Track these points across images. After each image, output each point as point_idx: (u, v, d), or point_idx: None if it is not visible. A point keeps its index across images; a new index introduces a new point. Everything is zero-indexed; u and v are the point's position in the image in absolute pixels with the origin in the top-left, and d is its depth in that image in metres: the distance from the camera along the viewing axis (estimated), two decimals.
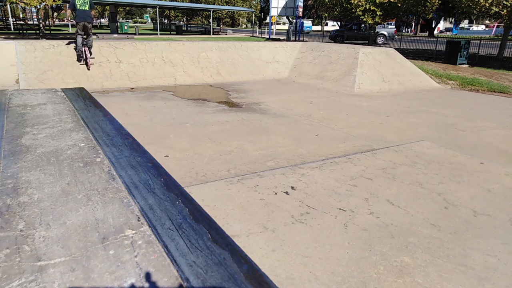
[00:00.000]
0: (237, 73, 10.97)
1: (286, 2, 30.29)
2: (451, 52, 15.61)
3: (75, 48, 8.96)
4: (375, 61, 10.60)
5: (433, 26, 46.00)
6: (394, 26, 30.90)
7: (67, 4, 10.42)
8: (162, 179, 2.40)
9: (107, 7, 52.90)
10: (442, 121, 6.57)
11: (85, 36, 8.74)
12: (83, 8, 8.54)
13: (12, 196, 2.12)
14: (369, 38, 25.24)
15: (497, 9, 16.03)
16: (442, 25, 59.48)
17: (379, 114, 7.02)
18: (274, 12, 31.33)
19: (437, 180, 3.84)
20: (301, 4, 29.80)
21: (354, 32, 29.30)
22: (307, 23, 52.20)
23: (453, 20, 51.20)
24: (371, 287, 2.21)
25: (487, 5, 15.95)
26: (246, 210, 3.07)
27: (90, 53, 8.81)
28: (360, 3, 20.49)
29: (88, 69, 8.69)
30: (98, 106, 4.77)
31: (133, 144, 3.14)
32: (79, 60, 8.96)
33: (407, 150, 4.79)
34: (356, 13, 21.12)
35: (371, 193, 3.48)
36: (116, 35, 26.23)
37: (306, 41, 23.01)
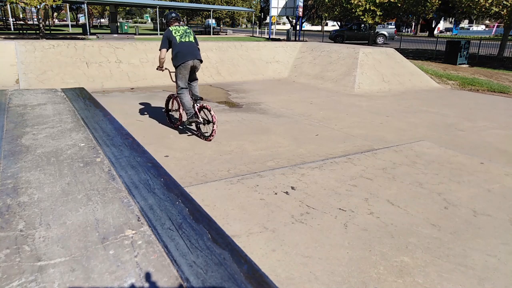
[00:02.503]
0: (237, 73, 10.97)
1: (286, 2, 30.29)
2: (451, 52, 15.61)
3: (167, 111, 5.68)
4: (375, 61, 10.59)
5: (433, 26, 45.98)
6: (394, 26, 30.89)
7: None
8: (162, 179, 2.40)
9: (107, 7, 52.91)
10: (442, 121, 6.56)
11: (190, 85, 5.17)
12: (187, 40, 4.92)
13: (12, 196, 2.12)
14: (369, 38, 25.24)
15: (497, 9, 16.03)
16: (442, 25, 59.47)
17: (379, 114, 7.01)
18: (274, 12, 31.33)
19: (437, 180, 3.84)
20: (301, 4, 29.80)
21: (354, 32, 29.29)
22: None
23: (453, 20, 51.18)
24: (371, 287, 2.21)
25: (487, 5, 15.94)
26: (246, 210, 3.07)
27: (209, 110, 4.91)
28: (360, 3, 20.48)
29: (208, 139, 5.01)
30: (98, 106, 4.77)
31: (133, 144, 3.14)
32: (185, 124, 5.29)
33: (407, 150, 4.79)
34: (356, 13, 21.12)
35: (371, 193, 3.48)
36: (116, 35, 26.25)
37: (306, 41, 23.00)
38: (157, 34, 34.76)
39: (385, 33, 29.10)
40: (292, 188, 3.52)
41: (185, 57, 4.85)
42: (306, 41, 23.00)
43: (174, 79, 5.19)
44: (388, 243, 2.67)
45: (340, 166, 4.13)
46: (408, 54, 18.62)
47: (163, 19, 5.24)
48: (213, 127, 4.93)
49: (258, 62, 11.66)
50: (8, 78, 7.88)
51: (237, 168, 4.09)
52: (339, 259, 2.46)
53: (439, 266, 2.43)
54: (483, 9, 16.45)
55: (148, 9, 75.14)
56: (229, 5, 49.62)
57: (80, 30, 34.38)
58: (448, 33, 54.90)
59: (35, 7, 19.33)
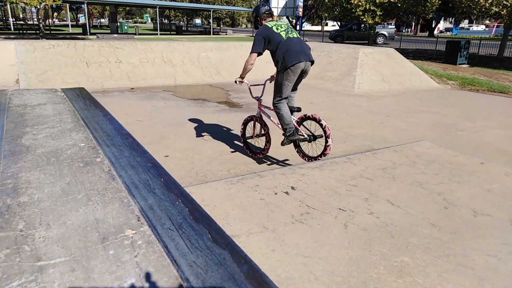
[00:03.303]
0: (237, 73, 10.94)
1: (286, 2, 30.29)
2: (451, 52, 15.62)
3: (245, 138, 4.70)
4: (375, 61, 10.59)
5: (433, 26, 45.99)
6: (394, 26, 30.90)
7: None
8: (162, 179, 2.39)
9: (107, 7, 52.90)
10: (442, 121, 6.56)
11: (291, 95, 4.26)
12: (295, 36, 3.98)
13: (12, 196, 2.12)
14: (369, 38, 25.23)
15: (497, 9, 16.04)
16: (442, 25, 59.46)
17: (379, 114, 7.01)
18: (274, 12, 31.31)
19: (437, 180, 3.84)
20: (301, 4, 29.80)
21: (354, 32, 29.30)
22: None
23: (453, 20, 51.19)
24: (371, 287, 2.21)
25: (487, 5, 15.95)
26: (246, 210, 3.07)
27: (319, 121, 4.00)
28: (360, 3, 20.48)
29: (317, 159, 4.10)
30: (98, 106, 4.77)
31: (133, 144, 3.14)
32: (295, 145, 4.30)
33: (407, 150, 4.79)
34: (356, 13, 21.12)
35: (371, 193, 3.48)
36: (116, 35, 26.27)
37: (306, 41, 23.00)
38: (157, 34, 34.75)
39: (385, 33, 29.10)
40: (292, 188, 3.52)
41: (297, 57, 3.78)
42: (306, 41, 23.00)
43: (254, 95, 4.42)
44: (388, 243, 2.67)
45: (340, 166, 4.13)
46: (408, 54, 18.62)
47: (253, 13, 4.14)
48: (326, 142, 3.91)
49: (258, 62, 11.65)
50: (8, 78, 7.89)
51: (237, 168, 4.08)
52: (339, 259, 2.46)
53: (439, 266, 2.43)
54: (483, 9, 16.46)
55: (148, 9, 75.14)
56: (229, 5, 49.61)
57: (80, 30, 34.39)
58: (448, 33, 54.90)
59: (35, 7, 19.34)
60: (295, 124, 4.08)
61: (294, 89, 4.19)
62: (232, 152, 4.64)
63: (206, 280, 1.44)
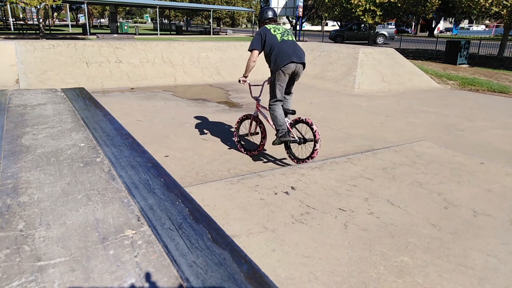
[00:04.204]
0: (237, 73, 10.97)
1: (286, 2, 30.28)
2: (451, 52, 15.62)
3: (239, 136, 4.76)
4: (375, 61, 10.59)
5: (433, 26, 45.99)
6: (394, 26, 30.89)
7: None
8: (162, 179, 2.39)
9: (107, 7, 52.91)
10: (442, 121, 6.56)
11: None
12: (290, 39, 4.15)
13: (12, 196, 2.12)
14: (369, 38, 25.24)
15: (497, 9, 16.04)
16: (442, 25, 59.48)
17: (379, 114, 7.01)
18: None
19: (437, 180, 3.84)
20: (301, 4, 29.80)
21: (354, 32, 29.30)
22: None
23: (453, 20, 51.19)
24: (371, 287, 2.21)
25: (487, 5, 15.95)
26: (246, 210, 3.07)
27: (310, 125, 4.15)
28: (360, 3, 20.48)
29: (304, 161, 4.17)
30: (98, 106, 4.77)
31: (133, 144, 3.14)
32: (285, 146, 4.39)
33: (407, 150, 4.79)
34: (356, 13, 21.12)
35: (371, 193, 3.48)
36: (116, 35, 26.27)
37: (306, 41, 23.00)
38: (157, 34, 34.75)
39: (385, 33, 29.10)
40: (292, 188, 3.52)
41: (289, 58, 3.95)
42: (306, 41, 23.00)
43: (253, 95, 4.54)
44: (388, 243, 2.67)
45: (340, 166, 4.13)
46: (408, 54, 18.62)
47: (257, 16, 4.44)
48: (315, 146, 4.08)
49: (259, 62, 11.64)
50: (8, 78, 7.89)
51: (237, 168, 4.08)
52: (339, 259, 2.46)
53: (439, 266, 2.43)
54: (483, 9, 16.46)
55: (148, 9, 75.15)
56: (229, 5, 49.62)
57: (80, 30, 34.39)
58: (448, 33, 54.90)
59: (35, 7, 19.34)
60: (288, 126, 4.20)
61: (289, 92, 4.32)
62: (232, 152, 4.64)
63: (206, 280, 1.44)
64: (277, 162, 4.50)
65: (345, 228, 2.84)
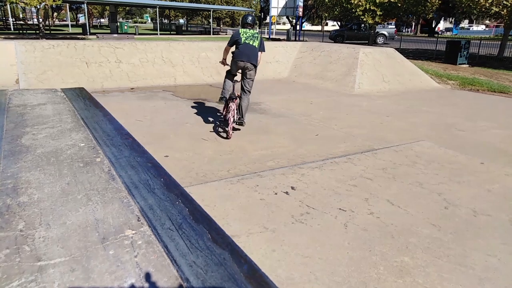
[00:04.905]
0: None
1: (286, 2, 30.29)
2: (451, 52, 15.61)
3: (221, 98, 5.44)
4: (375, 61, 10.59)
5: (433, 26, 45.98)
6: (394, 26, 30.88)
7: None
8: (162, 179, 2.39)
9: (107, 7, 52.91)
10: (442, 121, 6.56)
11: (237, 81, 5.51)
12: (250, 43, 5.19)
13: (12, 196, 2.11)
14: (369, 38, 25.23)
15: (497, 9, 16.03)
16: (442, 25, 59.43)
17: (379, 114, 7.01)
18: (274, 12, 31.32)
19: (437, 180, 3.84)
20: (301, 4, 29.80)
21: (354, 32, 29.28)
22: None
23: (453, 20, 51.20)
24: (371, 287, 2.21)
25: (487, 5, 15.94)
26: (246, 210, 3.07)
27: (240, 117, 5.34)
28: (360, 3, 20.47)
29: (228, 137, 5.14)
30: (98, 106, 4.77)
31: (133, 144, 3.13)
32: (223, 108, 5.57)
33: (407, 150, 4.79)
34: (356, 13, 21.10)
35: (371, 193, 3.48)
36: (116, 35, 26.27)
37: (306, 41, 23.00)
38: (157, 34, 34.75)
39: (385, 33, 29.09)
40: (292, 188, 3.52)
41: (240, 57, 5.22)
42: (306, 41, 23.00)
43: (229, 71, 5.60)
44: (388, 243, 2.67)
45: (340, 166, 4.13)
46: (408, 54, 18.62)
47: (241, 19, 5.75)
48: (228, 124, 5.22)
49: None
50: (8, 78, 7.88)
51: (237, 168, 4.08)
52: (339, 259, 2.46)
53: (439, 266, 2.43)
54: (483, 9, 16.45)
55: (148, 9, 75.14)
56: (229, 5, 49.62)
57: (80, 30, 34.37)
58: (448, 33, 54.90)
59: (35, 7, 19.34)
60: (229, 102, 5.17)
61: (244, 88, 5.38)
62: (232, 152, 4.64)
63: (206, 280, 1.44)
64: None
65: (345, 228, 2.84)
